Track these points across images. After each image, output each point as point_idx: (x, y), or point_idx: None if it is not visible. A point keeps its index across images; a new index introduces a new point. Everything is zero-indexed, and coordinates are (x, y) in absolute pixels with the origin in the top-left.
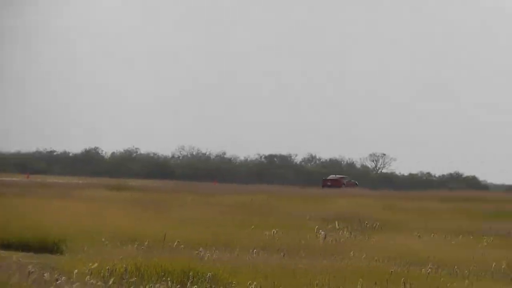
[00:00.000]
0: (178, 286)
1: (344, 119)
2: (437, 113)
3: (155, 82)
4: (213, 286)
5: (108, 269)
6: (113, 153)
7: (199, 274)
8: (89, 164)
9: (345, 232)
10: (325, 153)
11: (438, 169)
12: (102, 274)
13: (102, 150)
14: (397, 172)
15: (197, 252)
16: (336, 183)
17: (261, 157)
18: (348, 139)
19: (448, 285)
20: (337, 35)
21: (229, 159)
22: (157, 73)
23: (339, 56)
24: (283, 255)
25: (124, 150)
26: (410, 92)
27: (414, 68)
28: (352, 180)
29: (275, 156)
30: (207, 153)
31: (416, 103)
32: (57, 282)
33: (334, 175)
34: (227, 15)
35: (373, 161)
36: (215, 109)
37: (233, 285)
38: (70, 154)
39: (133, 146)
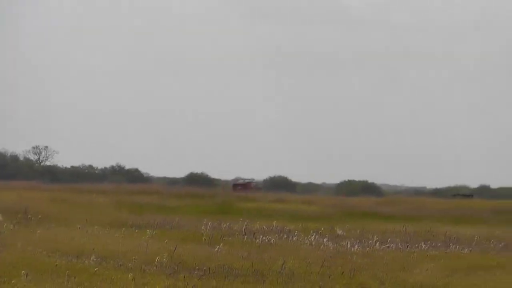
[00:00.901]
0: None
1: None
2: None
3: None
4: None
5: None
6: None
7: None
8: None
9: (9, 224)
10: None
11: (100, 162)
12: None
13: None
14: (59, 165)
15: None
16: (246, 187)
17: None
18: (8, 131)
19: (112, 277)
20: None
21: None
22: None
23: None
24: None
25: None
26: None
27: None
28: (259, 185)
29: None
30: None
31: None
32: None
33: (243, 180)
34: None
35: (36, 153)
36: None
37: None
38: None
39: None
